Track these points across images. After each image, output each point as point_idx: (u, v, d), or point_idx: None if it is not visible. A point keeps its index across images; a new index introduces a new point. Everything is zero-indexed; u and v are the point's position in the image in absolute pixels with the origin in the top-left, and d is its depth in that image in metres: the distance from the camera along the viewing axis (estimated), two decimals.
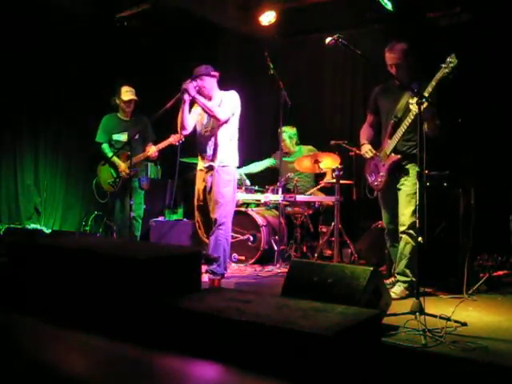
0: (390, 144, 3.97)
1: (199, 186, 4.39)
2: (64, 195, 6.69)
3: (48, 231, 5.95)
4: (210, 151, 4.30)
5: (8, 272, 2.75)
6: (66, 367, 0.55)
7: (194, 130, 4.46)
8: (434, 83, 3.58)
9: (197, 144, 4.46)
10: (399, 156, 3.93)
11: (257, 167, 6.24)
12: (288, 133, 6.04)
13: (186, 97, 4.14)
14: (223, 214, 4.18)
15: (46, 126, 6.57)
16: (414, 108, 3.47)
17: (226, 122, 4.24)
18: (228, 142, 4.29)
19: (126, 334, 2.20)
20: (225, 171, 4.25)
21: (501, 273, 4.69)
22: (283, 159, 5.95)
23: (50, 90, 6.51)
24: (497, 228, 4.77)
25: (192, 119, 4.37)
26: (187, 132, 4.39)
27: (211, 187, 4.27)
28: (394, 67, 3.90)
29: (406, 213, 3.86)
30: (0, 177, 6.12)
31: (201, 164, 4.40)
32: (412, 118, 3.75)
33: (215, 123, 4.27)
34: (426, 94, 3.51)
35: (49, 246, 2.82)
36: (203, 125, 4.39)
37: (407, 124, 3.82)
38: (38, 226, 6.11)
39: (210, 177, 4.30)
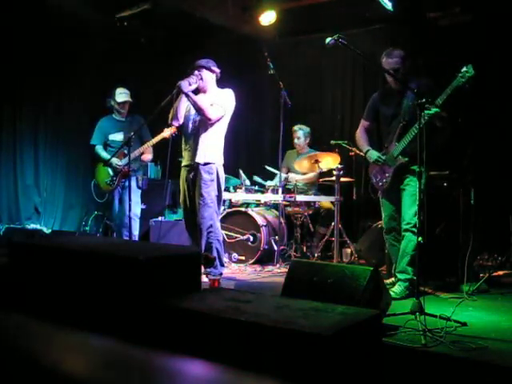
0: (397, 146, 3.97)
1: (183, 184, 4.23)
2: (64, 195, 6.70)
3: (48, 231, 5.95)
4: (192, 148, 4.14)
5: (8, 272, 2.75)
6: (66, 367, 0.55)
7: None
8: (448, 91, 3.58)
9: (182, 139, 4.32)
10: (407, 159, 3.95)
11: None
12: (304, 130, 6.03)
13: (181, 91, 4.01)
14: (208, 216, 4.01)
15: (46, 126, 6.57)
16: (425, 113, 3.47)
17: (216, 121, 4.10)
18: (213, 139, 4.12)
19: (125, 334, 2.20)
20: (206, 170, 4.07)
21: (501, 273, 4.69)
22: (294, 159, 5.96)
23: (50, 91, 6.51)
24: (497, 228, 4.77)
25: (183, 110, 4.23)
26: (179, 123, 4.24)
27: (194, 186, 4.12)
28: (393, 71, 3.92)
29: (411, 212, 3.88)
30: (0, 177, 6.12)
31: (184, 160, 4.23)
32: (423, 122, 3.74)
33: (203, 119, 4.11)
34: (440, 101, 3.55)
35: (49, 246, 2.82)
36: (190, 118, 4.23)
37: (416, 130, 3.80)
38: (37, 226, 6.11)
39: (191, 175, 4.14)
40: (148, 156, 5.28)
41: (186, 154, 4.24)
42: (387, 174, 4.06)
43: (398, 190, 4.04)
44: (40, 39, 6.15)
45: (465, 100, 5.11)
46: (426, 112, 3.42)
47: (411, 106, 3.87)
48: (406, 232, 3.90)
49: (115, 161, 5.13)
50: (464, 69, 3.53)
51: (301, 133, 6.00)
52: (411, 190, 3.93)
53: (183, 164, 4.27)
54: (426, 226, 3.16)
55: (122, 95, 5.27)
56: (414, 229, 3.81)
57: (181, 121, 4.25)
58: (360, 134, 4.31)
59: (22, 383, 0.53)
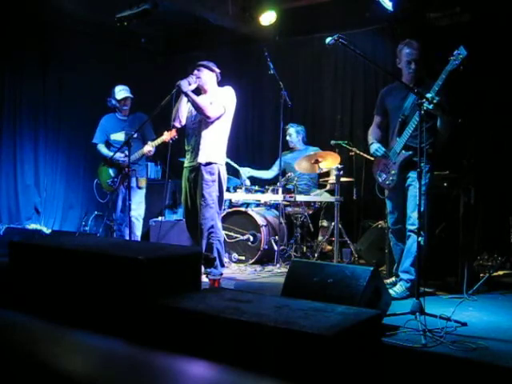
0: (399, 142, 3.95)
1: (185, 184, 4.24)
2: (64, 195, 6.70)
3: (48, 231, 5.95)
4: (194, 148, 4.15)
5: (8, 272, 2.75)
6: (66, 367, 0.55)
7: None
8: (443, 76, 3.61)
9: (184, 139, 4.33)
10: (410, 152, 3.89)
11: (269, 174, 6.21)
12: (295, 128, 6.07)
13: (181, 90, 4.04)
14: (210, 216, 4.02)
15: (46, 125, 6.57)
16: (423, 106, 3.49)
17: (216, 118, 4.10)
18: (214, 139, 4.12)
19: (126, 334, 2.20)
20: (208, 170, 4.06)
21: (501, 273, 4.69)
22: (288, 157, 5.97)
23: (50, 90, 6.51)
24: (497, 228, 4.77)
25: (185, 111, 4.25)
26: (181, 124, 4.25)
27: (195, 187, 4.12)
28: (414, 63, 3.93)
29: (416, 213, 3.84)
30: (0, 177, 6.12)
31: (187, 161, 4.25)
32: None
33: (203, 118, 4.12)
34: (436, 88, 3.57)
35: (49, 246, 2.82)
36: (191, 118, 4.25)
37: (415, 122, 3.76)
38: (37, 226, 6.10)
39: (193, 175, 4.15)
40: (151, 150, 5.20)
41: (188, 155, 4.25)
42: (393, 172, 4.00)
43: (402, 189, 4.00)
44: (40, 39, 6.15)
45: (465, 100, 5.12)
46: (426, 105, 3.42)
47: (413, 102, 3.85)
48: (411, 232, 3.86)
49: (119, 156, 5.05)
50: (456, 51, 3.60)
51: (292, 130, 6.04)
52: (416, 190, 3.89)
53: (185, 164, 4.28)
54: (425, 225, 3.15)
55: (121, 92, 5.26)
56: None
57: (183, 122, 4.27)
58: (371, 130, 4.28)
59: (22, 382, 0.53)
